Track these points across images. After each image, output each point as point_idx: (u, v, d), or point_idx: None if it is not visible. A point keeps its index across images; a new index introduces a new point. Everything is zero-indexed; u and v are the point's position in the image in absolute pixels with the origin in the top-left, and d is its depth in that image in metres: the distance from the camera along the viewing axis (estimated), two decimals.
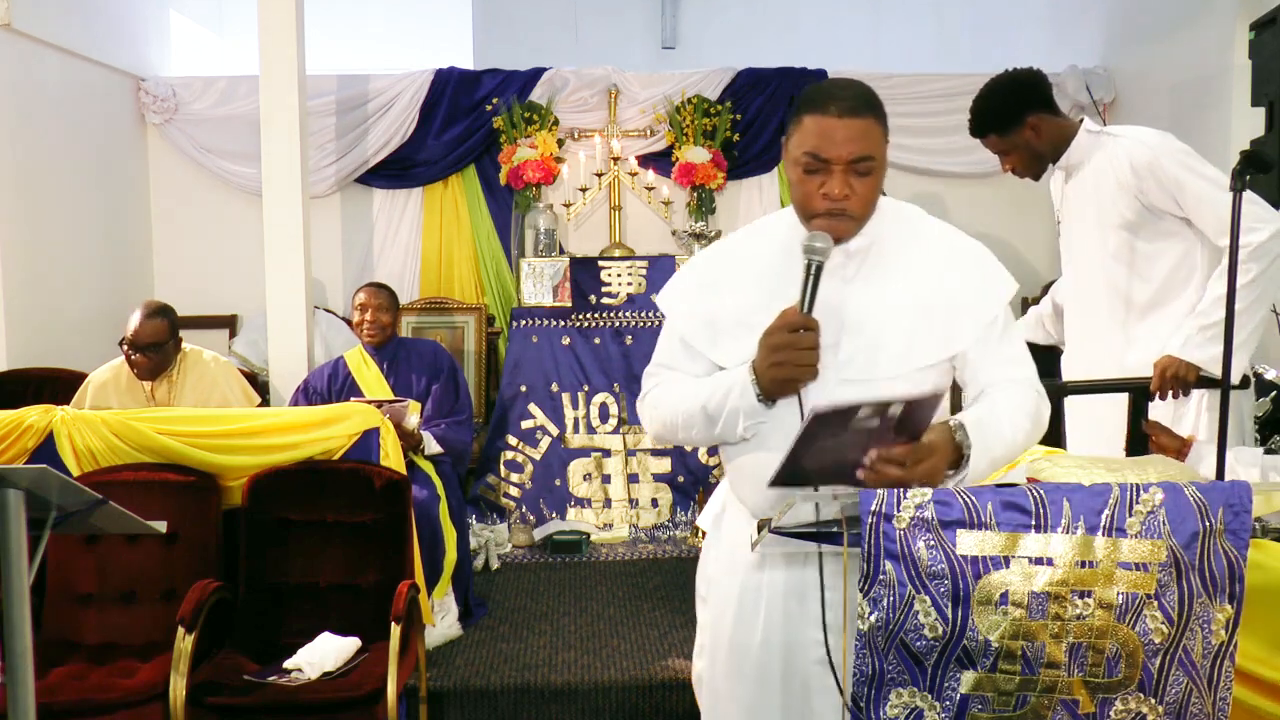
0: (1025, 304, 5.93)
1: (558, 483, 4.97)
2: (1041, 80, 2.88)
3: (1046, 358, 3.20)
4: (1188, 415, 2.81)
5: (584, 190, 5.57)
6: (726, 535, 1.83)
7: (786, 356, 1.56)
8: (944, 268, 1.72)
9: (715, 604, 1.83)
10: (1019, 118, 2.83)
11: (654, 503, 4.97)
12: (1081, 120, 2.89)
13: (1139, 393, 2.52)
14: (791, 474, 1.49)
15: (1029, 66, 2.93)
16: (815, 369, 1.57)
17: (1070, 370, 3.04)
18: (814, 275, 1.59)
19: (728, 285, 1.75)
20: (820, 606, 1.61)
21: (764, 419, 1.64)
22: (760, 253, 1.77)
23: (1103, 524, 1.36)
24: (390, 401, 3.71)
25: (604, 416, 5.03)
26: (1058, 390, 2.62)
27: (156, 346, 3.64)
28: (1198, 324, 2.71)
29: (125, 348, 3.66)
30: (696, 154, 5.52)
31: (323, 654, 2.83)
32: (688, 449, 1.72)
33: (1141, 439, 2.40)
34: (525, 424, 5.02)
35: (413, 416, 3.73)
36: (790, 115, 1.69)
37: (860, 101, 1.61)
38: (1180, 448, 2.26)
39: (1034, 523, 1.36)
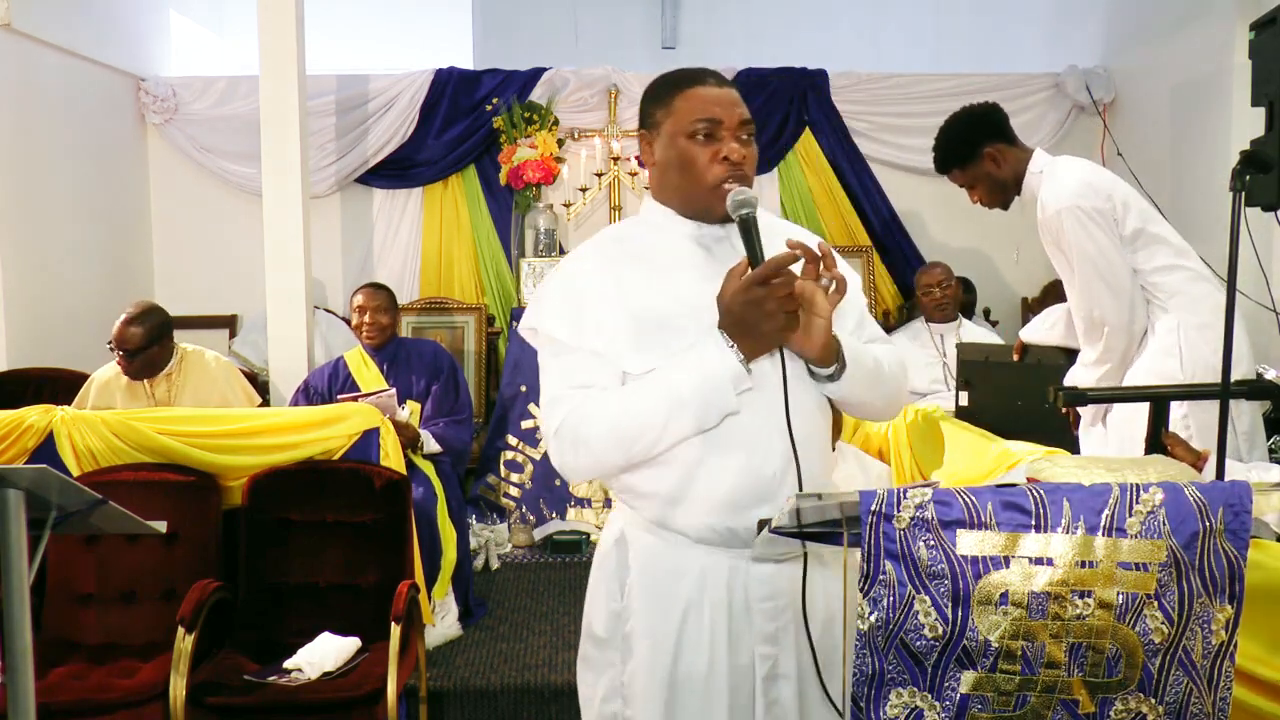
0: (1025, 304, 5.94)
1: (557, 483, 4.97)
2: (996, 112, 2.97)
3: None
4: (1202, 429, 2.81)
5: (584, 190, 5.56)
6: (640, 563, 1.69)
7: (774, 306, 1.52)
8: None
9: (644, 638, 1.67)
10: (976, 150, 2.93)
11: None
12: (1034, 152, 2.94)
13: (1160, 402, 2.51)
14: None
15: (984, 101, 3.03)
16: (797, 315, 1.56)
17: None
18: (754, 228, 1.58)
19: (624, 292, 1.64)
20: (761, 620, 1.63)
21: (748, 384, 1.58)
22: (641, 256, 1.70)
23: (1103, 524, 1.36)
24: (374, 393, 3.71)
25: None
26: (1079, 398, 2.62)
27: (138, 351, 3.61)
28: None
29: (112, 350, 3.67)
30: None
31: (323, 654, 2.83)
32: (615, 470, 1.54)
33: (1160, 450, 2.39)
34: (525, 424, 5.02)
35: (400, 408, 3.76)
36: (655, 103, 1.71)
37: (727, 79, 1.70)
38: (1195, 461, 2.25)
39: (1034, 523, 1.36)
